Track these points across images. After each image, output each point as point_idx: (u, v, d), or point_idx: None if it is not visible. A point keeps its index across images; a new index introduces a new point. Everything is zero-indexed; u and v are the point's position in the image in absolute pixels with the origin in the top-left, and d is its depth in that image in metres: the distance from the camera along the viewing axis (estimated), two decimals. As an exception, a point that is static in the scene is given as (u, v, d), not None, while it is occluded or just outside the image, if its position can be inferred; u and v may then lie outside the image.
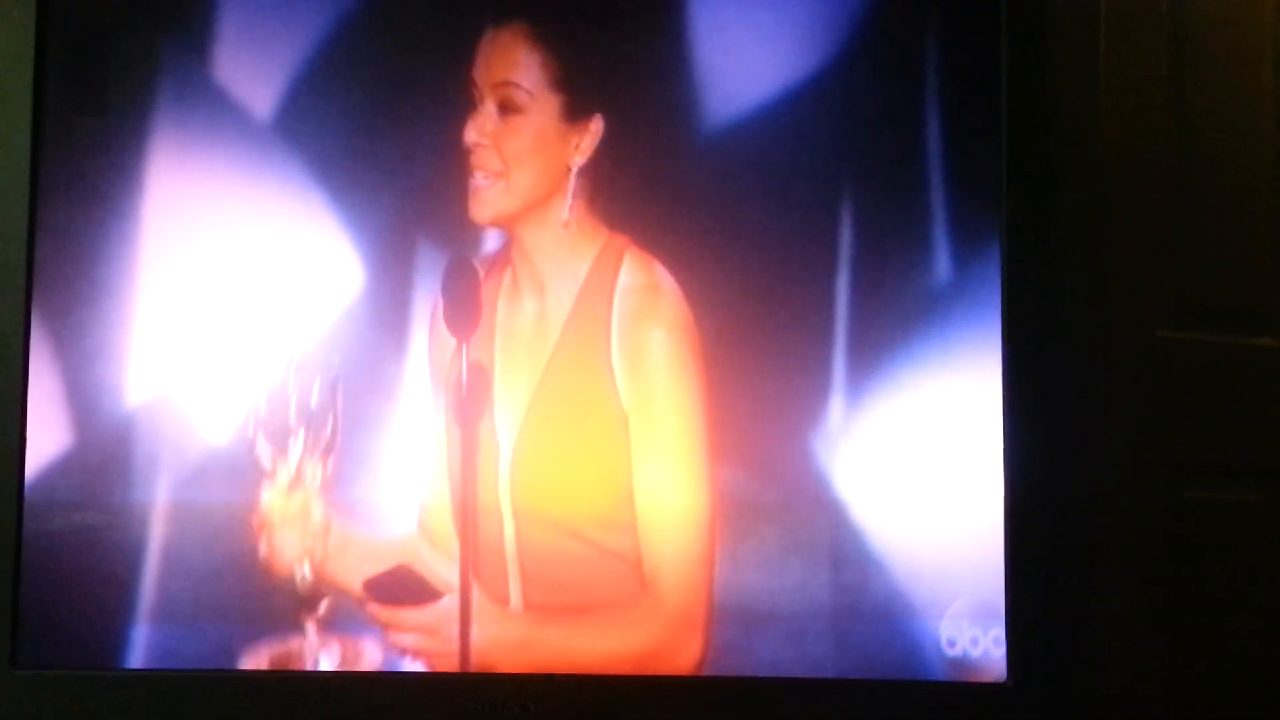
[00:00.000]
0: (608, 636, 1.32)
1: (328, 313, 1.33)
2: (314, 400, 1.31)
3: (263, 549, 1.31)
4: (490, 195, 1.33)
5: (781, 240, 1.35)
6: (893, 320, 1.35)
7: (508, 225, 1.35)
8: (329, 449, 1.31)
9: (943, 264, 1.37)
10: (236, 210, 1.33)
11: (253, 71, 1.34)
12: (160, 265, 1.33)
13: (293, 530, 1.30)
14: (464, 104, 1.34)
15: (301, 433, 1.31)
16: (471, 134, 1.33)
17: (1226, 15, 1.57)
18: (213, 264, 1.33)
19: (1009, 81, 1.38)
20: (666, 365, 1.33)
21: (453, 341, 1.33)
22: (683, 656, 1.32)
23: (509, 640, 1.32)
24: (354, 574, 1.32)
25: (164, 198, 1.33)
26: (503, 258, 1.36)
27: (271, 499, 1.30)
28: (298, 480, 1.31)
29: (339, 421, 1.31)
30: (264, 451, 1.31)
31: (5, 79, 1.32)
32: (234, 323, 1.33)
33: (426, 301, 1.34)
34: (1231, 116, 1.57)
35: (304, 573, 1.31)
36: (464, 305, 1.33)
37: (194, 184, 1.33)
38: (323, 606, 1.31)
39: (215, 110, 1.34)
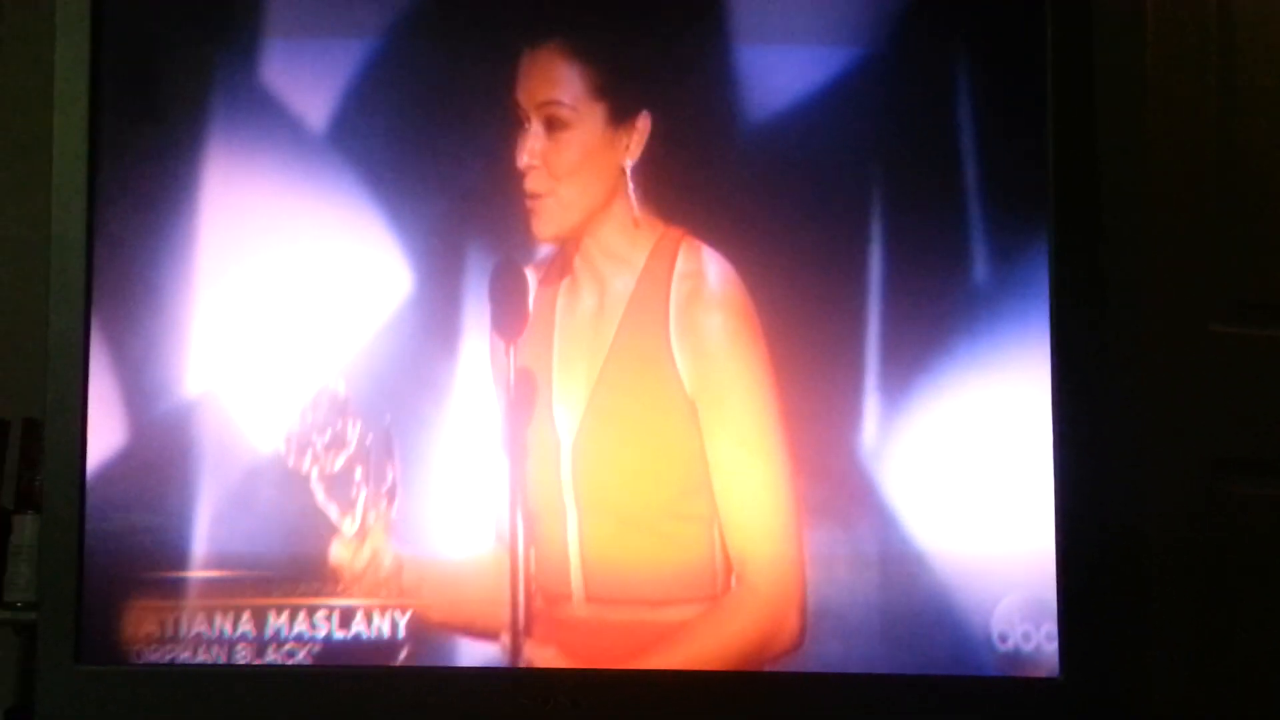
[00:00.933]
0: (700, 631, 1.32)
1: (380, 320, 1.34)
2: (372, 457, 1.32)
3: (338, 597, 1.32)
4: (548, 214, 1.35)
5: (836, 230, 1.36)
6: (942, 316, 1.35)
7: (570, 237, 1.36)
8: (391, 496, 1.33)
9: (992, 259, 1.36)
10: (289, 218, 1.35)
11: (303, 87, 1.36)
12: (215, 271, 1.35)
13: (364, 583, 1.32)
14: (512, 126, 1.35)
15: (363, 491, 1.32)
16: (524, 157, 1.35)
17: (1275, 6, 1.56)
18: (266, 270, 1.35)
19: (1055, 74, 1.37)
20: (728, 348, 1.34)
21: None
22: (780, 642, 1.32)
23: (572, 637, 1.32)
24: (428, 600, 1.33)
25: (218, 205, 1.35)
26: (561, 258, 1.37)
27: (340, 553, 1.32)
28: (363, 530, 1.32)
29: (398, 472, 1.33)
30: (328, 509, 1.32)
31: (63, 90, 1.35)
32: (289, 327, 1.35)
33: (483, 309, 1.35)
34: (1281, 108, 1.56)
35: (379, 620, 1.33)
36: (511, 308, 1.34)
37: (247, 192, 1.35)
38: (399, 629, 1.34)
39: (267, 121, 1.36)
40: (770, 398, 1.33)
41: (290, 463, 1.32)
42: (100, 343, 1.33)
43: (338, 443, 1.32)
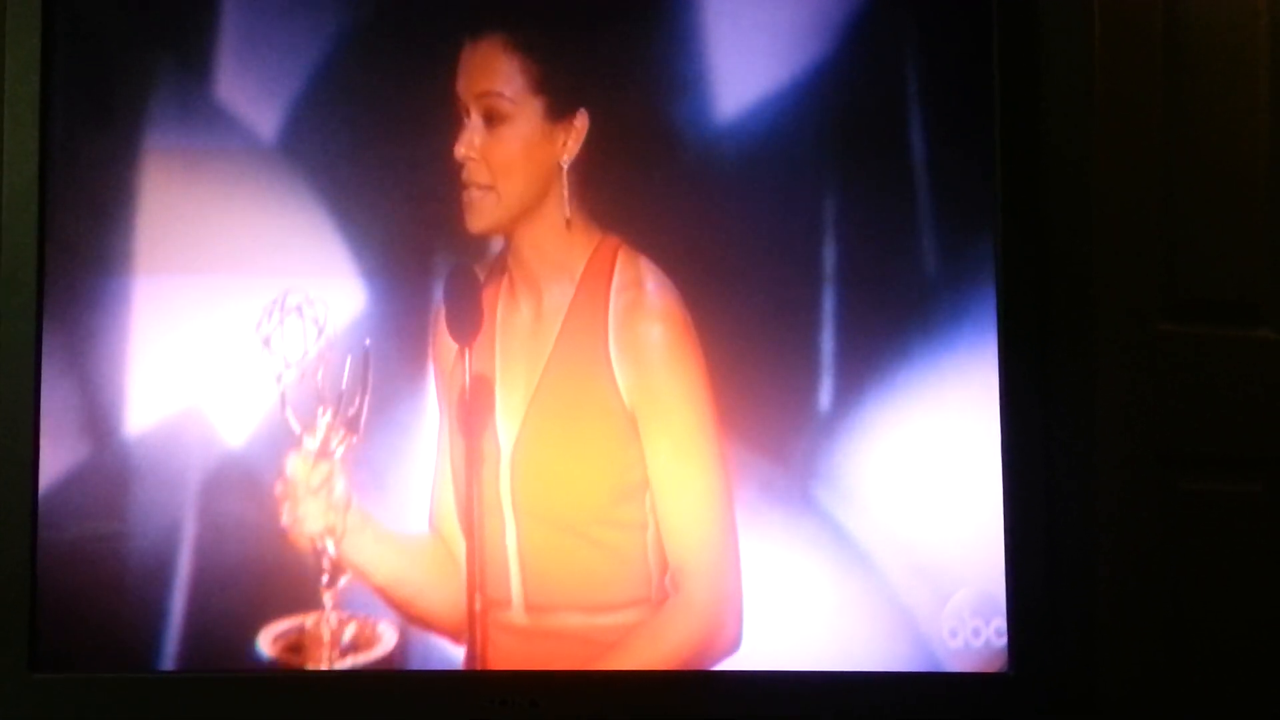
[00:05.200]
0: (638, 645, 1.33)
1: (334, 323, 1.35)
2: (345, 373, 1.33)
3: (285, 517, 1.32)
4: (482, 207, 1.35)
5: (776, 233, 1.37)
6: (889, 314, 1.36)
7: (503, 232, 1.37)
8: (355, 423, 1.33)
9: (939, 261, 1.38)
10: (241, 223, 1.35)
11: (252, 88, 1.36)
12: (168, 276, 1.35)
13: (316, 501, 1.32)
14: (451, 118, 1.35)
15: (329, 409, 1.32)
16: (461, 149, 1.35)
17: (1220, 5, 1.58)
18: (220, 275, 1.35)
19: (1002, 75, 1.39)
20: (666, 360, 1.35)
21: (455, 349, 1.35)
22: (718, 649, 1.33)
23: (513, 643, 1.33)
24: (371, 554, 1.33)
25: (170, 210, 1.35)
26: (500, 263, 1.38)
27: (296, 466, 1.32)
28: (324, 450, 1.32)
29: (368, 396, 1.33)
30: (292, 418, 1.33)
31: (13, 95, 1.34)
32: (242, 333, 1.35)
33: (429, 311, 1.36)
34: (1227, 107, 1.57)
35: (326, 547, 1.32)
36: (465, 311, 1.35)
37: (199, 197, 1.35)
38: (341, 582, 1.33)
39: (218, 125, 1.36)
40: (708, 408, 1.34)
41: (264, 366, 1.33)
42: (53, 350, 1.33)
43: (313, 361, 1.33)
